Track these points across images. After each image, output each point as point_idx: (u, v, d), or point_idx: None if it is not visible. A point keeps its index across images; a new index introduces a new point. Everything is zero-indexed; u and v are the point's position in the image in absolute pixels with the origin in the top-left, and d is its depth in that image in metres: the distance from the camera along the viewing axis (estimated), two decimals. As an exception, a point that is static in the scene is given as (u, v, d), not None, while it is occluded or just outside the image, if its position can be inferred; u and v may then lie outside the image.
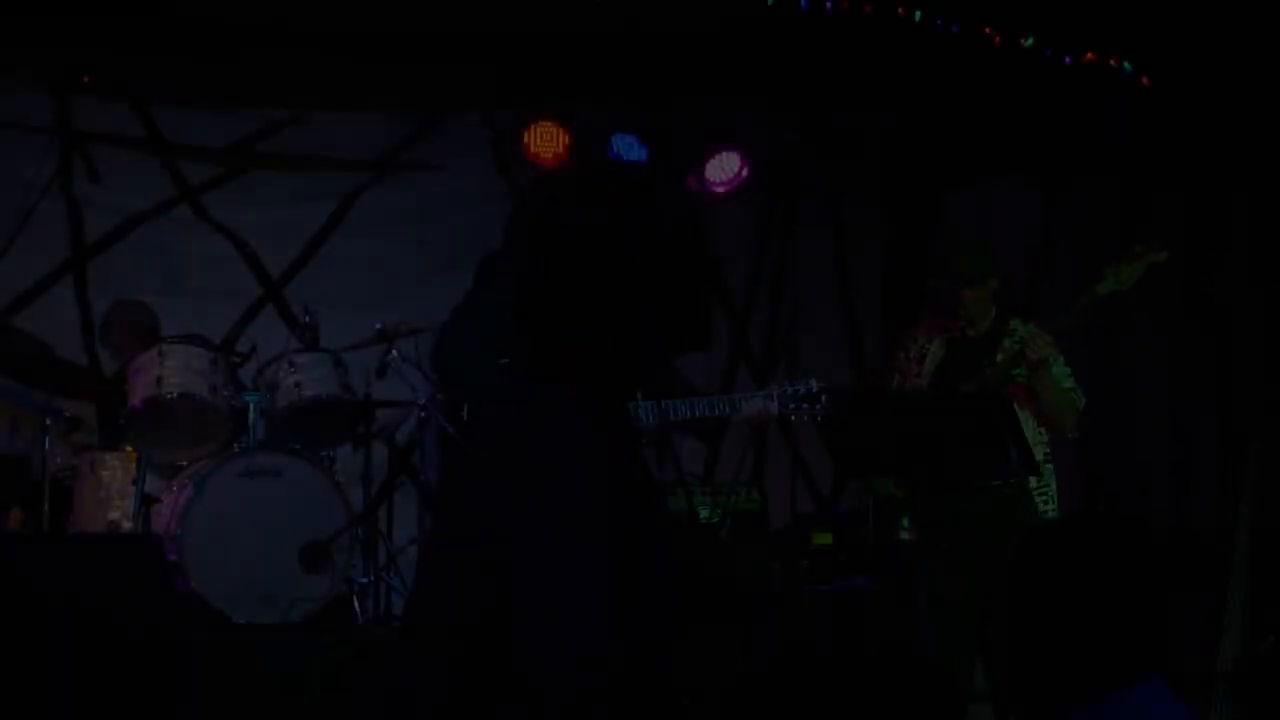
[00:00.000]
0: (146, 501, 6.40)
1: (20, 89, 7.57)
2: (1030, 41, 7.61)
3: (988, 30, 7.58)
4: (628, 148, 8.19)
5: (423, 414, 7.17)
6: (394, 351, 7.01)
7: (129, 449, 6.65)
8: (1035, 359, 5.22)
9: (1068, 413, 5.42)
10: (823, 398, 4.86)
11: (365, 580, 6.83)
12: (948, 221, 8.82)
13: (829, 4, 7.37)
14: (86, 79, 7.69)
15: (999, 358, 5.39)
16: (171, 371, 6.55)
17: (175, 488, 6.46)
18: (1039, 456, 5.38)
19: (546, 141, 8.09)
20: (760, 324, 8.76)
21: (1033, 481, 5.25)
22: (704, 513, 6.67)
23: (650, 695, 3.72)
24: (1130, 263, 5.32)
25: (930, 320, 5.63)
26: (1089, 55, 7.69)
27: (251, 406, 6.58)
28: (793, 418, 4.92)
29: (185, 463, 6.65)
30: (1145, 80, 7.73)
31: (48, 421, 6.66)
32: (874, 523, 6.22)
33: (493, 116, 8.25)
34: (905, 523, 5.46)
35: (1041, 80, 7.78)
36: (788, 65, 7.99)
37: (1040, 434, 5.42)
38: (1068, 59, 7.67)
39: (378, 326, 7.04)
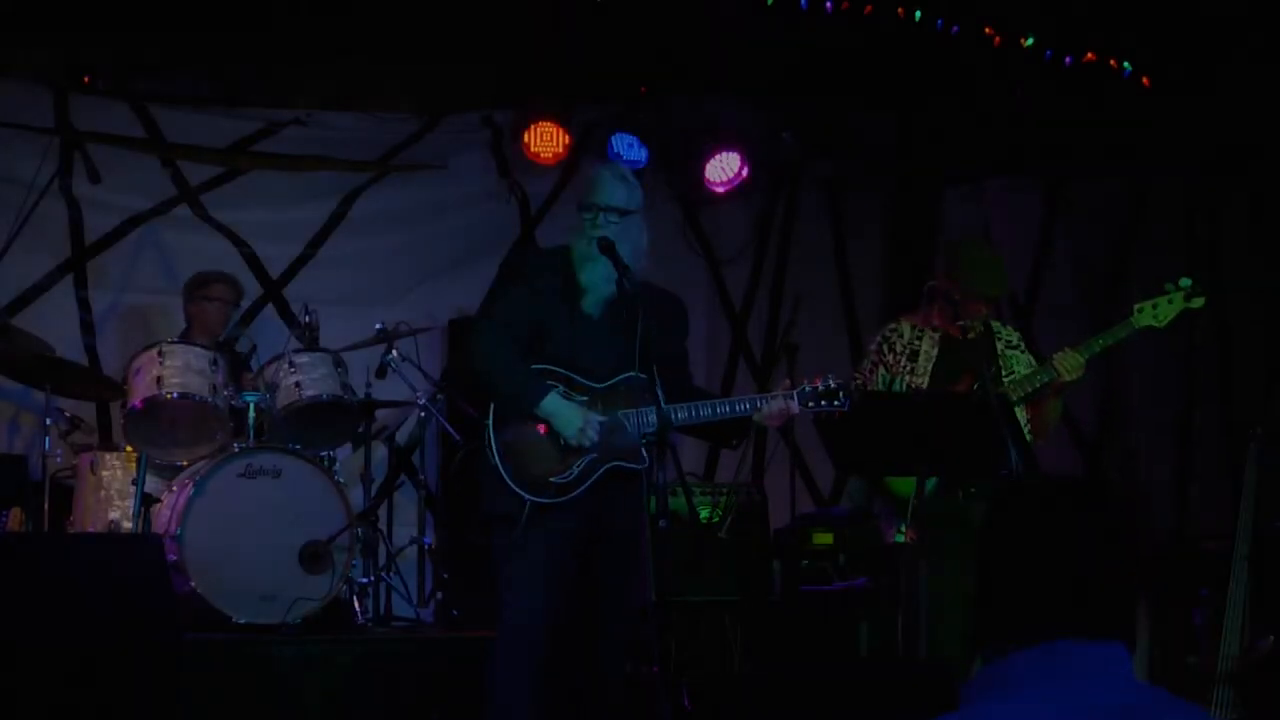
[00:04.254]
0: (146, 501, 6.40)
1: (20, 89, 7.56)
2: (1030, 41, 7.61)
3: (988, 30, 7.58)
4: (628, 148, 8.21)
5: (423, 414, 7.18)
6: (394, 351, 7.00)
7: (129, 449, 6.66)
8: (1069, 381, 5.29)
9: (1054, 424, 5.59)
10: (841, 394, 4.86)
11: (365, 580, 6.83)
12: (948, 221, 8.82)
13: (829, 4, 7.37)
14: (86, 79, 7.69)
15: (1013, 369, 5.45)
16: (171, 371, 6.54)
17: (175, 488, 6.45)
18: None
19: (546, 141, 8.10)
20: (760, 324, 8.76)
21: None
22: (704, 513, 6.66)
23: None
24: (1169, 303, 5.37)
25: (921, 315, 5.62)
26: (1089, 55, 7.69)
27: (251, 406, 6.58)
28: (813, 416, 4.94)
29: (185, 463, 6.64)
30: (1145, 80, 7.74)
31: (48, 421, 6.66)
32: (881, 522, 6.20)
33: (493, 116, 8.25)
34: (901, 526, 5.44)
35: (1041, 80, 7.79)
36: (788, 65, 7.99)
37: (1029, 439, 5.48)
38: (1068, 59, 7.67)
39: (378, 326, 7.04)
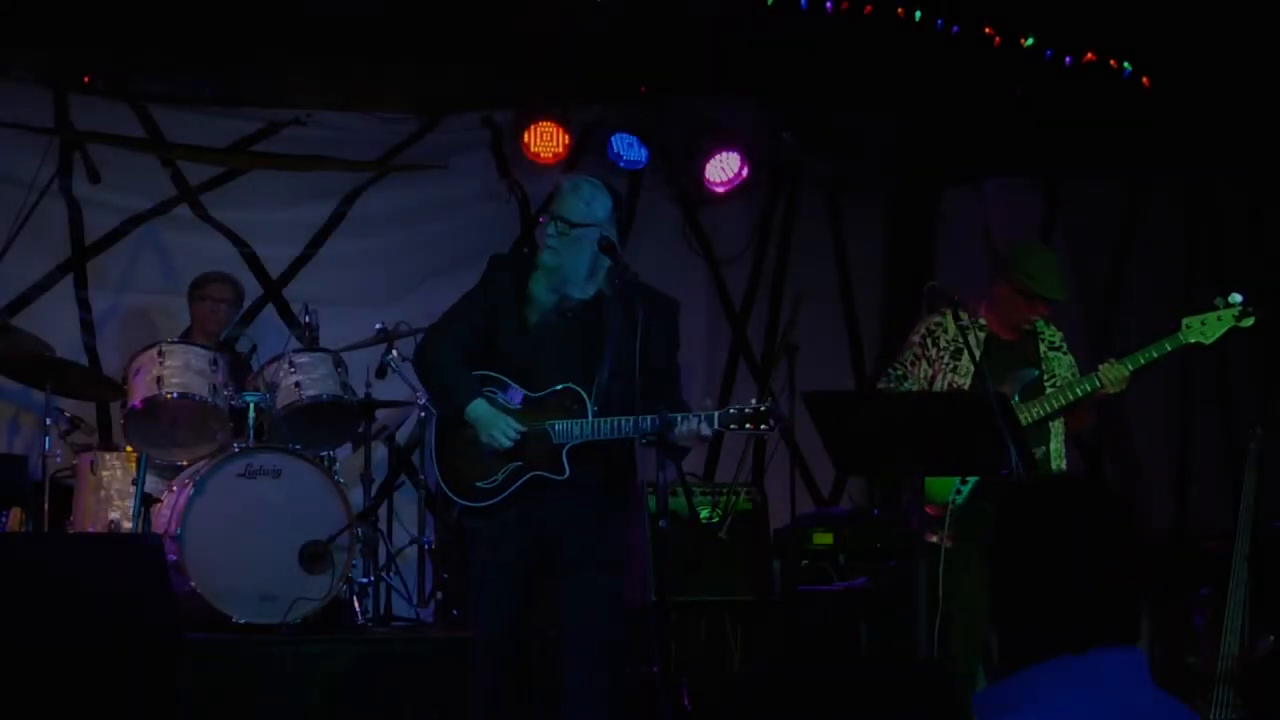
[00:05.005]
0: (146, 501, 6.40)
1: (20, 89, 7.57)
2: (1030, 41, 7.61)
3: (988, 30, 7.58)
4: (628, 148, 8.22)
5: (423, 414, 7.18)
6: (394, 351, 7.01)
7: (129, 449, 6.66)
8: (1114, 394, 5.27)
9: (1088, 429, 5.63)
10: (770, 419, 4.80)
11: (365, 580, 6.83)
12: (948, 221, 8.82)
13: (829, 4, 7.37)
14: (86, 79, 7.69)
15: (1054, 372, 5.44)
16: (171, 371, 6.55)
17: (175, 488, 6.45)
18: (1065, 466, 5.45)
19: (546, 141, 8.10)
20: (760, 324, 8.76)
21: None
22: (704, 513, 6.66)
23: None
24: (1218, 320, 5.31)
25: (969, 311, 5.58)
26: (1089, 55, 7.69)
27: (251, 406, 6.58)
28: (729, 435, 4.90)
29: (185, 463, 6.65)
30: (1145, 80, 7.73)
31: (48, 421, 6.66)
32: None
33: (493, 116, 8.25)
34: (938, 528, 5.39)
35: (1042, 80, 7.79)
36: (788, 65, 7.99)
37: (1064, 443, 5.48)
38: (1068, 59, 7.67)
39: (378, 326, 7.05)
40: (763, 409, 4.78)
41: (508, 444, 4.77)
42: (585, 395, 4.78)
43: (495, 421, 4.78)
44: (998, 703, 2.09)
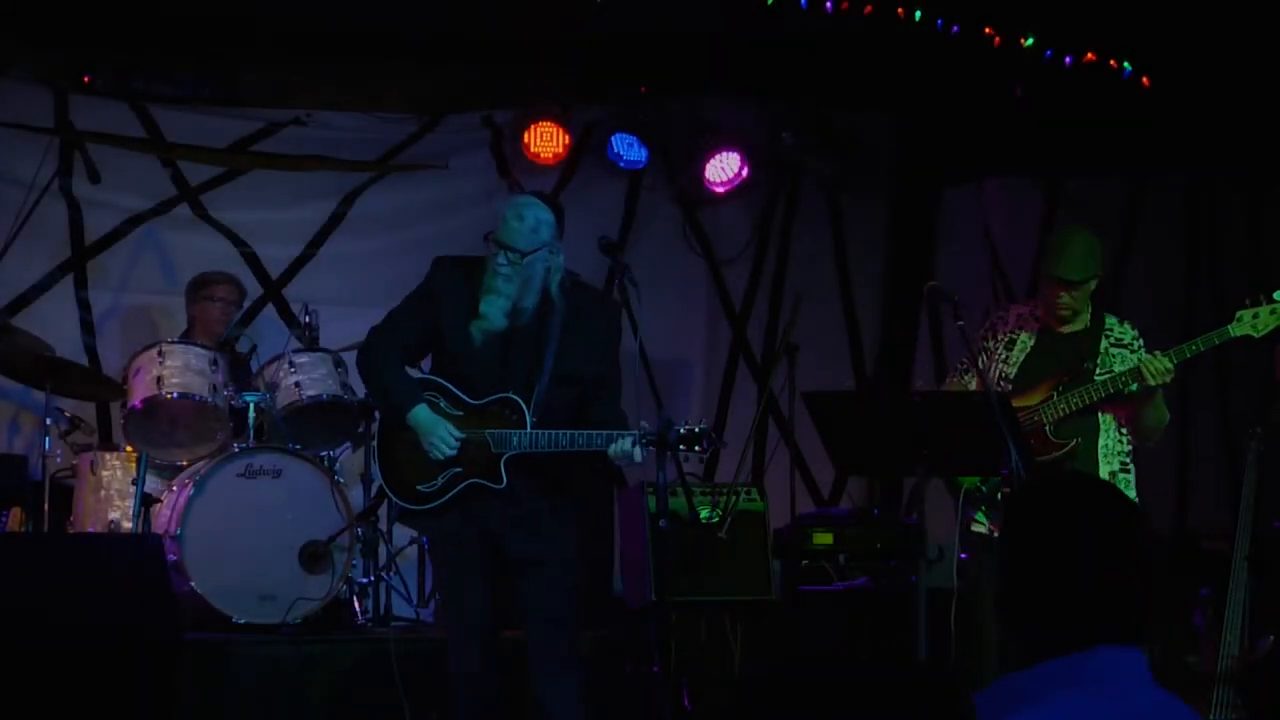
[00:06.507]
0: (146, 501, 6.40)
1: (20, 89, 7.57)
2: (1030, 41, 7.61)
3: (988, 30, 7.57)
4: (628, 148, 8.22)
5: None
6: (394, 351, 6.99)
7: (129, 449, 6.66)
8: (1156, 385, 5.20)
9: (1159, 429, 5.45)
10: (704, 440, 4.81)
11: (365, 580, 6.83)
12: (948, 221, 8.82)
13: (829, 4, 7.36)
14: (86, 79, 7.70)
15: (1111, 368, 5.37)
16: (171, 371, 6.55)
17: (175, 488, 6.46)
18: (1115, 465, 5.40)
19: (546, 141, 8.10)
20: (760, 324, 8.76)
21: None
22: (704, 513, 6.66)
23: None
24: (1270, 313, 5.26)
25: (1031, 305, 5.57)
26: (1089, 55, 7.69)
27: (251, 406, 6.58)
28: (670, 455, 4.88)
29: (185, 463, 6.65)
30: (1145, 80, 7.73)
31: (48, 421, 6.66)
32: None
33: (493, 116, 8.25)
34: (980, 515, 5.37)
35: (1042, 80, 7.79)
36: (788, 65, 7.99)
37: (1121, 440, 5.42)
38: (1068, 59, 7.66)
39: (378, 326, 7.04)
40: (696, 430, 4.79)
41: (449, 453, 4.79)
42: (524, 405, 4.78)
43: (435, 429, 4.79)
44: (999, 702, 2.09)
